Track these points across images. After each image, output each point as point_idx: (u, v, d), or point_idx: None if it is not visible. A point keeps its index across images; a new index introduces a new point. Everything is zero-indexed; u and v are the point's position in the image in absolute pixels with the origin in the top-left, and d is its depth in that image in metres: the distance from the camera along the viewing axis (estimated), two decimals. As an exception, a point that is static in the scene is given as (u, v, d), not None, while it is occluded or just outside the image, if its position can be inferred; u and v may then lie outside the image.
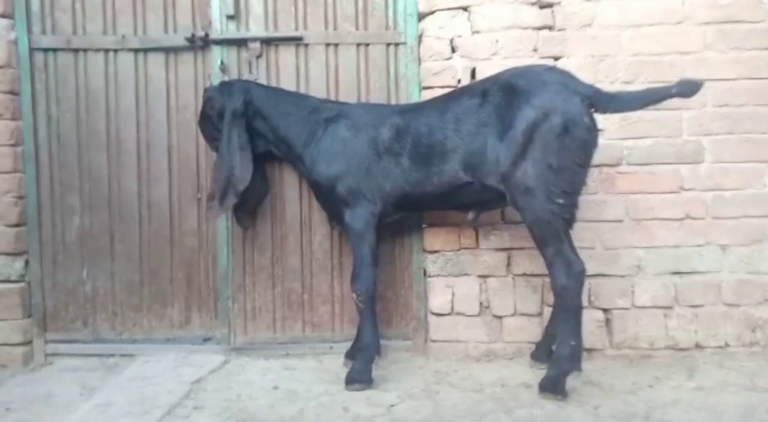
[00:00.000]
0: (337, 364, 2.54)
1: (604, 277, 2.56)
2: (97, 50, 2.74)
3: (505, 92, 2.16)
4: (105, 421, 1.99)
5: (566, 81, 2.14)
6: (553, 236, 2.09)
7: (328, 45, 2.73)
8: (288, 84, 2.72)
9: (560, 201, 2.07)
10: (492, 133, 2.15)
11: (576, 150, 2.07)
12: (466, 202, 2.36)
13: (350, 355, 2.49)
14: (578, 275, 2.09)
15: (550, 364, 2.18)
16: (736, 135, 2.57)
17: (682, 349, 2.51)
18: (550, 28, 2.61)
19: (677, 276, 2.55)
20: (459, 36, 2.64)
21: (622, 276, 2.56)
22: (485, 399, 2.14)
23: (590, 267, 2.53)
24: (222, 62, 2.69)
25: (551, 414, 1.99)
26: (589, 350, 2.53)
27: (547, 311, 2.57)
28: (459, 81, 2.63)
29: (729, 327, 2.52)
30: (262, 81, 2.72)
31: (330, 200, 2.45)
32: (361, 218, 2.36)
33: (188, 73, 2.77)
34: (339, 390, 2.25)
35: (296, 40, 2.71)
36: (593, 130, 2.11)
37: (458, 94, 2.33)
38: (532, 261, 2.59)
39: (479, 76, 2.61)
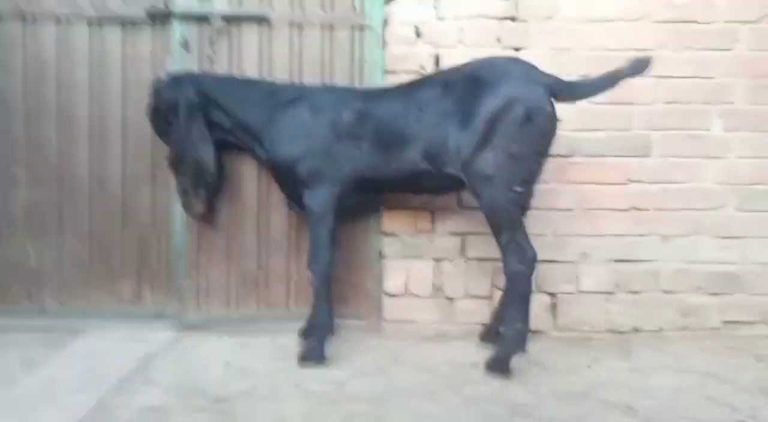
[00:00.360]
0: (290, 342, 2.55)
1: (552, 263, 2.66)
2: (50, 18, 2.64)
3: (468, 83, 2.20)
4: (48, 395, 1.95)
5: (528, 71, 2.20)
6: (509, 223, 2.16)
7: (292, 25, 2.70)
8: (250, 63, 2.69)
9: (518, 189, 2.14)
10: (453, 122, 2.20)
11: (537, 138, 2.14)
12: (423, 188, 2.42)
13: (304, 334, 2.52)
14: (530, 261, 2.17)
15: (497, 345, 2.27)
16: (683, 131, 2.70)
17: (620, 332, 2.64)
18: (513, 18, 2.66)
19: (620, 264, 2.67)
20: (424, 22, 2.66)
21: (569, 263, 2.67)
22: (435, 378, 2.21)
23: (540, 254, 2.59)
24: (184, 38, 2.63)
25: (496, 392, 2.07)
26: (535, 332, 2.63)
27: (497, 294, 2.65)
28: (422, 67, 2.66)
29: (664, 313, 2.67)
30: (224, 59, 2.68)
31: (289, 181, 2.46)
32: (321, 200, 2.37)
33: (146, 47, 2.70)
34: (292, 367, 2.28)
35: (260, 19, 2.67)
36: (554, 119, 2.18)
37: (420, 83, 2.36)
38: (485, 246, 2.66)
39: (443, 64, 2.65)
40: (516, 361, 2.21)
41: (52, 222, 2.69)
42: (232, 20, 2.67)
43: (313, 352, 2.31)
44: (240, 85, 2.55)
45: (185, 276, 2.69)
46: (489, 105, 2.12)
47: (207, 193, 2.51)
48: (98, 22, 2.66)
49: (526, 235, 2.22)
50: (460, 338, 2.65)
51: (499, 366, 2.19)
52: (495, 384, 2.14)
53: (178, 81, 2.47)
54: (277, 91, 2.52)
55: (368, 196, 2.60)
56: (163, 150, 2.68)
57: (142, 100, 2.67)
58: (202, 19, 2.65)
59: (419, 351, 2.50)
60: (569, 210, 2.68)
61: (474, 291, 2.69)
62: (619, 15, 2.66)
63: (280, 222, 2.74)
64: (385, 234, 2.69)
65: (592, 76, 2.23)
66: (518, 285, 2.18)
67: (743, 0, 2.65)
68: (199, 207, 2.54)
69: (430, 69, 2.65)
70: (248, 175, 2.73)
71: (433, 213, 2.68)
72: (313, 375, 2.20)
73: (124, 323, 2.67)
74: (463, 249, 2.70)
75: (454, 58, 2.64)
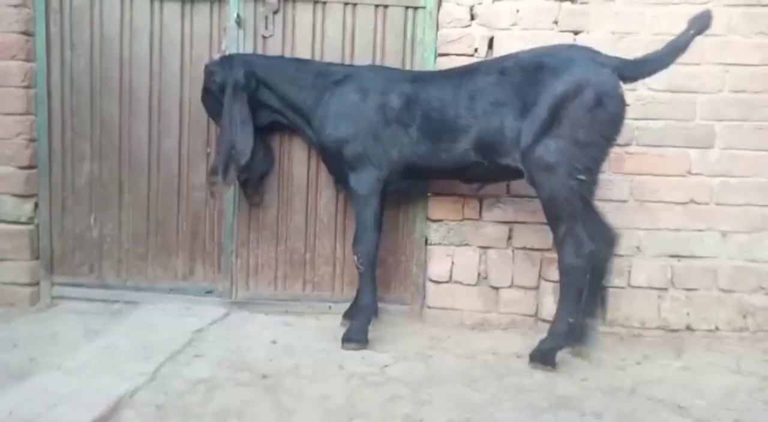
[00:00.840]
0: (335, 324, 2.60)
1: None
2: (114, -6, 2.71)
3: (528, 70, 2.12)
4: (108, 362, 2.06)
5: (592, 55, 2.12)
6: (568, 214, 2.09)
7: (346, 4, 2.69)
8: (303, 42, 2.71)
9: (582, 177, 2.07)
10: (510, 112, 2.13)
11: (607, 124, 2.06)
12: (474, 177, 2.38)
13: (348, 315, 2.55)
14: (587, 255, 2.10)
15: (545, 337, 2.23)
16: (749, 122, 2.55)
17: (672, 330, 2.56)
18: (572, 0, 2.56)
19: (675, 259, 2.58)
20: (479, 3, 2.59)
21: (621, 256, 2.58)
22: (477, 366, 2.20)
23: None
24: (238, 15, 2.66)
25: (539, 383, 2.05)
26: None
27: (544, 285, 2.61)
28: (476, 50, 2.60)
29: (721, 312, 2.56)
30: (278, 37, 2.70)
31: (336, 163, 2.47)
32: (366, 183, 2.37)
33: (204, 24, 2.74)
34: (336, 348, 2.32)
35: (315, -3, 2.68)
36: (624, 103, 2.10)
37: (473, 70, 2.29)
38: (532, 236, 2.62)
39: (497, 46, 2.59)
40: (561, 354, 2.18)
41: (114, 196, 2.79)
42: (287, -1, 2.68)
43: (357, 334, 2.34)
44: (290, 65, 2.56)
45: (235, 255, 2.77)
46: (554, 90, 2.04)
47: (236, 173, 2.47)
48: (159, -1, 2.71)
49: (583, 228, 2.13)
50: (504, 328, 2.64)
51: (543, 357, 2.17)
52: (539, 375, 2.12)
53: (228, 62, 2.50)
54: (327, 71, 2.51)
55: (415, 182, 2.58)
56: (217, 129, 2.75)
57: (199, 77, 2.73)
58: (258, -3, 2.67)
59: (461, 338, 2.50)
60: (623, 201, 2.59)
61: (519, 281, 2.65)
62: (684, -1, 2.52)
63: (328, 204, 2.77)
64: (432, 220, 2.68)
65: (657, 50, 2.10)
66: (572, 279, 2.13)
67: (827, -18, 2.47)
68: (225, 188, 2.53)
69: (483, 51, 2.60)
70: (298, 156, 2.76)
71: (481, 200, 2.64)
72: (356, 357, 2.24)
73: (176, 297, 2.77)
74: (510, 238, 2.66)
75: (509, 40, 2.58)
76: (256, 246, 2.78)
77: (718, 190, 2.57)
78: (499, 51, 2.58)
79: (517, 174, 2.22)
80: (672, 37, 2.08)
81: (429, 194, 2.67)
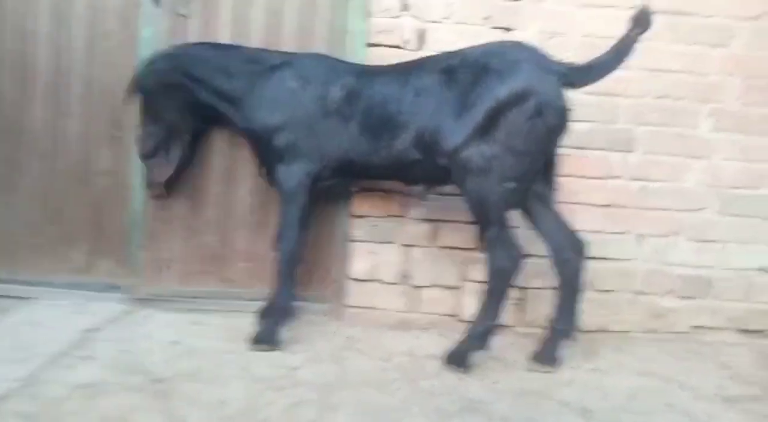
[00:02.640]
0: (247, 323, 2.44)
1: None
2: (9, -40, 2.45)
3: (473, 70, 2.04)
4: (-22, 366, 1.85)
5: (540, 59, 2.03)
6: (497, 218, 2.04)
7: (271, -14, 2.54)
8: (224, 27, 2.54)
9: (511, 185, 2.01)
10: (450, 111, 2.04)
11: (545, 135, 1.99)
12: (414, 178, 2.28)
13: (261, 315, 2.41)
14: (517, 259, 2.06)
15: (460, 338, 2.18)
16: (669, 128, 2.60)
17: (587, 331, 2.56)
18: (504, -3, 2.52)
19: (593, 262, 2.58)
20: (411, -6, 2.51)
21: (540, 257, 2.57)
22: (391, 368, 2.13)
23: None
24: (152, -9, 2.46)
25: (451, 386, 2.00)
26: (501, 326, 2.56)
27: (467, 285, 2.57)
28: (407, 41, 2.52)
29: (634, 314, 2.61)
30: (196, 20, 2.52)
31: (264, 153, 2.32)
32: (294, 176, 2.23)
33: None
34: (244, 349, 2.19)
35: (237, -23, 2.51)
36: (565, 114, 2.02)
37: (418, 66, 2.18)
38: (456, 234, 2.57)
39: (428, 39, 2.52)
40: (477, 356, 2.14)
41: (5, 180, 2.54)
42: (207, -22, 2.50)
43: (267, 335, 2.22)
44: (220, 52, 2.37)
45: (141, 247, 2.57)
46: (495, 95, 1.96)
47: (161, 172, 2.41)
48: (62, -31, 2.48)
49: (512, 232, 2.09)
50: (424, 328, 2.58)
51: (457, 360, 2.12)
52: (452, 378, 2.07)
53: (156, 62, 2.33)
54: (261, 57, 2.35)
55: (350, 181, 2.46)
56: (126, 110, 2.55)
57: (108, 53, 2.54)
58: (174, -27, 2.48)
59: (379, 339, 2.42)
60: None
61: (442, 280, 2.60)
62: (614, 2, 2.52)
63: (246, 196, 2.62)
64: (354, 216, 2.58)
65: (602, 54, 2.03)
66: (499, 283, 2.08)
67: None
68: (157, 186, 2.45)
69: (414, 43, 2.52)
70: (216, 145, 2.59)
71: (406, 197, 2.57)
72: (264, 359, 2.12)
73: (74, 293, 2.55)
74: (434, 237, 2.60)
75: (441, 34, 2.51)
76: (165, 239, 2.59)
77: (637, 193, 2.60)
78: (431, 44, 2.51)
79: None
80: (611, 40, 2.05)
81: (353, 189, 2.58)
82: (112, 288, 2.59)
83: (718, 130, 2.59)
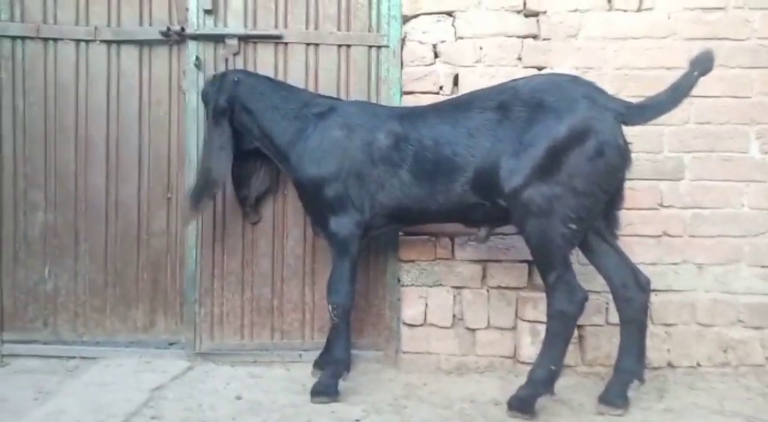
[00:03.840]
0: (305, 373, 2.48)
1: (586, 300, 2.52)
2: (68, 40, 2.64)
3: (529, 108, 1.98)
4: (56, 430, 1.90)
5: (596, 96, 1.98)
6: (560, 262, 1.99)
7: (308, 45, 2.65)
8: (265, 83, 2.65)
9: (573, 226, 1.95)
10: (508, 150, 1.99)
11: (605, 175, 1.93)
12: (475, 219, 2.23)
13: (318, 365, 2.42)
14: (580, 302, 2.01)
15: (524, 383, 2.10)
16: (716, 153, 2.55)
17: (654, 368, 2.47)
18: (535, 37, 2.57)
19: (652, 294, 2.50)
20: (443, 41, 2.58)
21: (598, 293, 2.52)
22: (453, 416, 2.09)
23: None
24: (197, 58, 2.60)
25: (518, 434, 1.95)
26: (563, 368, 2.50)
27: (520, 325, 2.53)
28: (441, 87, 2.58)
29: (701, 347, 2.50)
30: (239, 80, 2.64)
31: (314, 204, 2.30)
32: (346, 227, 2.21)
33: (162, 67, 2.68)
34: (305, 401, 2.19)
35: (275, 39, 2.64)
36: (625, 152, 1.97)
37: (467, 104, 2.13)
38: (507, 274, 2.55)
39: (462, 83, 2.57)
40: (542, 401, 2.08)
41: (69, 246, 2.67)
42: (247, 40, 2.63)
43: (327, 388, 2.21)
44: (276, 91, 2.39)
45: (197, 303, 2.64)
46: (554, 134, 1.91)
47: (208, 202, 2.42)
48: (116, 43, 2.65)
49: (574, 274, 2.03)
50: (481, 371, 2.53)
51: (522, 406, 2.05)
52: (517, 424, 2.01)
53: (219, 80, 2.40)
54: (309, 102, 2.36)
55: (406, 227, 2.44)
56: (178, 173, 2.67)
57: (158, 120, 2.68)
58: (217, 39, 2.62)
59: (437, 385, 2.39)
60: (597, 237, 2.54)
61: (496, 321, 2.56)
62: (645, 32, 2.54)
63: (296, 247, 2.67)
64: (403, 261, 2.59)
65: (659, 93, 1.99)
66: (561, 326, 2.02)
67: (779, 15, 2.51)
68: (193, 216, 2.47)
69: (449, 89, 2.57)
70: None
71: (453, 239, 2.57)
72: (326, 412, 2.11)
73: (137, 351, 2.62)
74: (484, 277, 2.58)
75: (474, 77, 2.56)
76: (220, 293, 2.65)
77: (691, 221, 2.54)
78: (465, 87, 2.55)
79: None
80: (643, 70, 2.02)
81: (400, 234, 2.60)
82: (173, 344, 2.65)
83: (767, 151, 2.53)
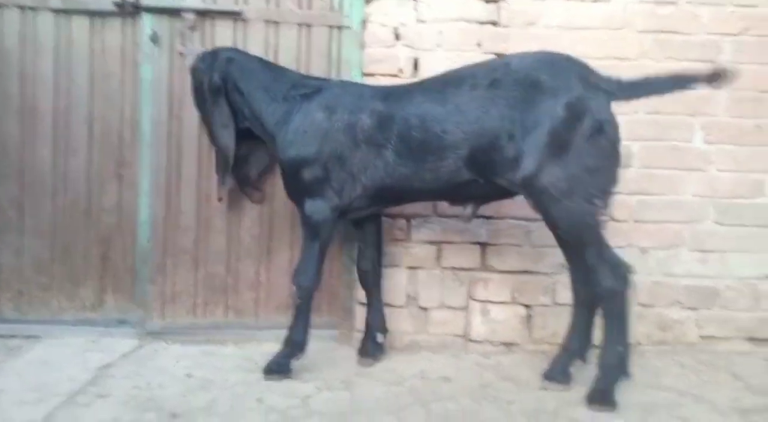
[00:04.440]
0: (259, 352, 2.47)
1: (529, 274, 2.60)
2: (13, 6, 2.52)
3: (523, 86, 1.96)
4: (-6, 409, 1.85)
5: (587, 75, 1.98)
6: (595, 238, 1.96)
7: (268, 22, 2.61)
8: (222, 60, 2.59)
9: (598, 202, 1.94)
10: (506, 129, 1.96)
11: (610, 149, 1.95)
12: (463, 197, 2.20)
13: (362, 350, 2.43)
14: (626, 277, 1.97)
15: (597, 374, 2.04)
16: (663, 142, 2.65)
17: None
18: (494, 23, 2.60)
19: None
20: (404, 24, 2.58)
21: (546, 274, 2.61)
22: (403, 392, 2.13)
23: (517, 264, 2.61)
24: (152, 31, 2.53)
25: (465, 409, 2.00)
26: (509, 344, 2.58)
27: (473, 305, 2.59)
28: (401, 70, 2.58)
29: (641, 327, 2.62)
30: (196, 56, 2.59)
31: (292, 186, 2.26)
32: (320, 211, 2.18)
33: (115, 39, 2.60)
34: (257, 379, 2.19)
35: (235, 15, 2.58)
36: (618, 128, 1.99)
37: (457, 81, 2.08)
38: (460, 255, 2.60)
39: (422, 67, 2.58)
40: (489, 377, 2.15)
41: (12, 221, 2.57)
42: (205, 15, 2.57)
43: (279, 366, 2.21)
44: (266, 72, 2.34)
45: (149, 281, 2.59)
46: (554, 114, 1.90)
47: (231, 178, 2.43)
48: (65, 12, 2.54)
49: (612, 249, 2.00)
50: (433, 349, 2.59)
51: (603, 397, 1.99)
52: (465, 400, 2.07)
53: (210, 58, 2.35)
54: (298, 84, 2.31)
55: (388, 206, 2.41)
56: (130, 147, 2.61)
57: (110, 93, 2.59)
58: (173, 12, 2.55)
59: (390, 363, 2.43)
60: (548, 220, 2.62)
61: (448, 301, 2.62)
62: (601, 24, 2.60)
63: (252, 226, 2.65)
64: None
65: (658, 75, 2.02)
66: (615, 305, 1.97)
67: (726, 13, 2.61)
68: (221, 192, 2.49)
69: (409, 72, 2.58)
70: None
71: (409, 220, 2.60)
72: (278, 389, 2.12)
73: (84, 329, 2.56)
74: (438, 258, 2.62)
75: (434, 61, 2.57)
76: (172, 271, 2.61)
77: (636, 207, 2.64)
78: (425, 72, 2.57)
79: (508, 193, 2.11)
80: (598, 61, 2.04)
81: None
82: (123, 323, 2.61)
83: (710, 142, 2.65)
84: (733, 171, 2.65)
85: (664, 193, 2.65)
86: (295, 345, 2.25)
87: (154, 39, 2.53)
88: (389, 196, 2.22)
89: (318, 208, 2.18)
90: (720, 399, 2.13)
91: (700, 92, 2.59)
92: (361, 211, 2.28)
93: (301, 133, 2.18)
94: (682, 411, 2.02)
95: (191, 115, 2.57)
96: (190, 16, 2.55)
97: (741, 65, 2.60)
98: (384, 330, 2.47)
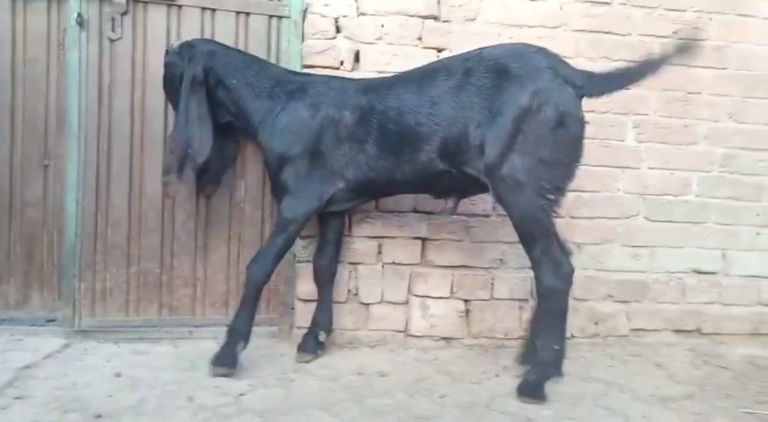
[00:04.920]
0: (195, 350, 2.42)
1: (468, 269, 2.64)
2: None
3: (493, 73, 1.97)
4: None
5: (557, 66, 1.98)
6: (542, 234, 1.97)
7: (204, 9, 2.53)
8: (155, 49, 2.49)
9: (551, 196, 1.95)
10: (474, 118, 1.97)
11: (570, 144, 1.96)
12: (440, 189, 2.22)
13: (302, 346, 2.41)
14: (567, 276, 1.99)
15: (531, 368, 2.09)
16: (597, 140, 2.72)
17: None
18: (435, 18, 2.60)
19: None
20: (344, 16, 2.56)
21: (484, 269, 2.65)
22: (339, 388, 2.13)
23: (457, 259, 2.64)
24: (79, 15, 2.41)
25: (400, 404, 2.01)
26: (448, 339, 2.61)
27: (413, 300, 2.61)
28: (342, 62, 2.56)
29: (575, 320, 2.69)
30: (127, 42, 2.48)
31: (276, 182, 2.25)
32: (295, 210, 2.18)
33: (40, 23, 2.47)
34: (190, 378, 2.14)
35: (168, 0, 2.49)
36: (583, 124, 1.99)
37: (432, 72, 2.10)
38: (401, 250, 2.61)
39: (363, 60, 2.56)
40: (426, 371, 2.16)
41: (-73, 215, 2.42)
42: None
43: (224, 359, 2.18)
44: (250, 67, 2.31)
45: (77, 278, 2.48)
46: (518, 103, 1.90)
47: (193, 173, 2.31)
48: (-16, -6, 2.40)
49: (558, 248, 2.02)
50: (373, 345, 2.59)
51: (532, 391, 2.02)
52: (401, 395, 2.07)
53: (189, 50, 2.28)
54: (282, 80, 2.30)
55: (370, 199, 2.41)
56: (57, 138, 2.49)
57: (34, 80, 2.47)
58: (103, -4, 2.44)
59: (328, 359, 2.41)
60: (487, 216, 2.66)
61: (389, 296, 2.62)
62: (539, 21, 2.65)
63: (187, 220, 2.58)
64: (300, 237, 2.57)
65: (628, 64, 2.03)
66: (554, 303, 1.99)
67: (657, 15, 2.70)
68: (179, 188, 2.36)
69: (350, 64, 2.56)
70: (150, 168, 2.52)
71: (350, 216, 2.59)
72: (210, 387, 2.07)
73: (8, 328, 2.43)
74: (379, 254, 2.62)
75: (375, 54, 2.57)
76: (103, 268, 2.51)
77: (572, 204, 2.71)
78: (366, 64, 2.57)
79: (484, 187, 2.09)
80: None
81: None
82: (51, 321, 2.49)
83: (642, 140, 2.74)
84: (662, 169, 2.76)
85: (598, 190, 2.73)
86: (236, 333, 2.22)
87: (81, 22, 2.41)
88: (372, 190, 2.25)
89: (293, 206, 2.19)
90: (643, 388, 2.22)
91: (632, 92, 2.69)
92: (344, 205, 2.30)
93: (287, 131, 2.20)
94: (607, 400, 2.09)
95: (123, 104, 2.48)
96: (121, 1, 2.44)
97: (672, 66, 2.70)
98: (329, 330, 2.46)
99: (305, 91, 2.24)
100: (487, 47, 2.11)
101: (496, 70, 1.97)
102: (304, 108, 2.20)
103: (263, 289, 2.25)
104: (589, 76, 2.00)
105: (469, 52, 2.12)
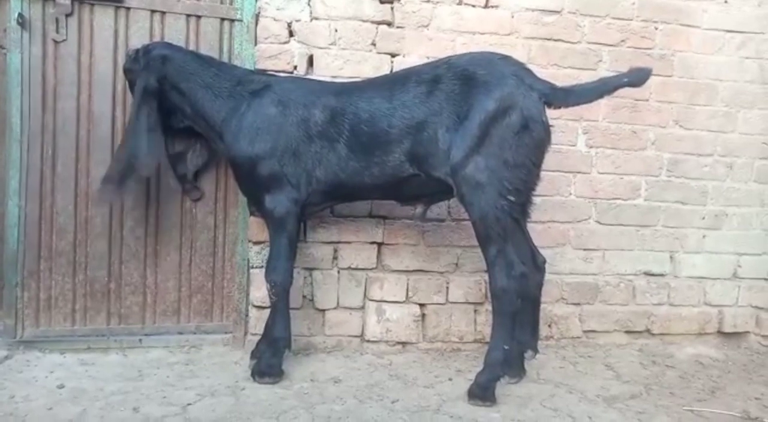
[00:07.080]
0: (144, 359, 2.38)
1: (423, 273, 2.65)
2: None
3: (461, 80, 2.04)
4: None
5: (523, 75, 2.05)
6: (498, 235, 2.02)
7: (153, 12, 2.48)
8: (102, 51, 2.44)
9: (511, 198, 2.00)
10: (443, 122, 2.03)
11: (533, 148, 2.02)
12: (410, 194, 2.24)
13: (256, 353, 2.33)
14: (519, 278, 2.03)
15: (481, 369, 2.10)
16: (550, 145, 2.76)
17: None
18: (389, 24, 2.61)
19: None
20: (297, 20, 2.55)
21: (440, 273, 2.66)
22: (290, 396, 2.10)
23: (412, 264, 2.64)
24: (21, 15, 2.33)
25: (350, 410, 2.00)
26: (404, 343, 2.62)
27: (370, 305, 2.60)
28: (295, 67, 2.55)
29: (529, 323, 2.73)
30: (73, 44, 2.41)
31: (249, 182, 2.24)
32: (282, 204, 2.18)
33: (-20, 23, 2.38)
34: (135, 388, 2.09)
35: (116, 2, 2.43)
36: (548, 129, 2.07)
37: (403, 78, 2.16)
38: (357, 256, 2.61)
39: (317, 65, 2.55)
40: (379, 376, 2.16)
41: None
42: (83, 0, 2.41)
43: (270, 368, 2.20)
44: (207, 69, 2.28)
45: (20, 287, 2.40)
46: (484, 108, 1.97)
47: (134, 185, 2.30)
48: None
49: (513, 250, 2.06)
50: (328, 351, 2.58)
51: (482, 392, 2.05)
52: (351, 401, 2.07)
53: (144, 56, 2.24)
54: (243, 80, 2.28)
55: (341, 203, 2.44)
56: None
57: (-28, 85, 2.38)
58: (46, -4, 2.37)
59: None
60: (441, 220, 2.68)
61: (345, 302, 2.61)
62: (491, 29, 2.68)
63: (136, 227, 2.52)
64: (253, 242, 2.55)
65: (588, 82, 2.13)
66: (504, 304, 2.04)
67: (605, 24, 2.77)
68: (115, 197, 2.33)
69: (303, 69, 2.55)
70: (98, 173, 2.42)
71: (305, 221, 2.57)
72: (156, 397, 2.03)
73: (-57, 340, 2.34)
74: (335, 259, 2.61)
75: (329, 59, 2.56)
76: (47, 276, 2.43)
77: (525, 208, 2.75)
78: (319, 69, 2.56)
79: (452, 192, 2.11)
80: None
81: (250, 215, 2.55)
82: (-12, 332, 2.40)
83: (592, 146, 2.80)
84: (612, 173, 2.83)
85: (551, 194, 2.78)
86: (278, 341, 2.24)
87: (22, 23, 2.33)
88: (342, 192, 2.26)
89: (279, 201, 2.19)
90: (590, 388, 2.26)
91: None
92: (316, 207, 2.31)
93: (255, 129, 2.19)
94: (555, 401, 2.13)
95: (68, 107, 2.42)
96: (66, 1, 2.38)
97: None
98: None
99: (271, 89, 2.25)
100: (456, 55, 2.20)
101: (463, 77, 2.05)
102: (272, 105, 2.21)
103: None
104: (552, 87, 2.08)
105: (439, 59, 2.20)
